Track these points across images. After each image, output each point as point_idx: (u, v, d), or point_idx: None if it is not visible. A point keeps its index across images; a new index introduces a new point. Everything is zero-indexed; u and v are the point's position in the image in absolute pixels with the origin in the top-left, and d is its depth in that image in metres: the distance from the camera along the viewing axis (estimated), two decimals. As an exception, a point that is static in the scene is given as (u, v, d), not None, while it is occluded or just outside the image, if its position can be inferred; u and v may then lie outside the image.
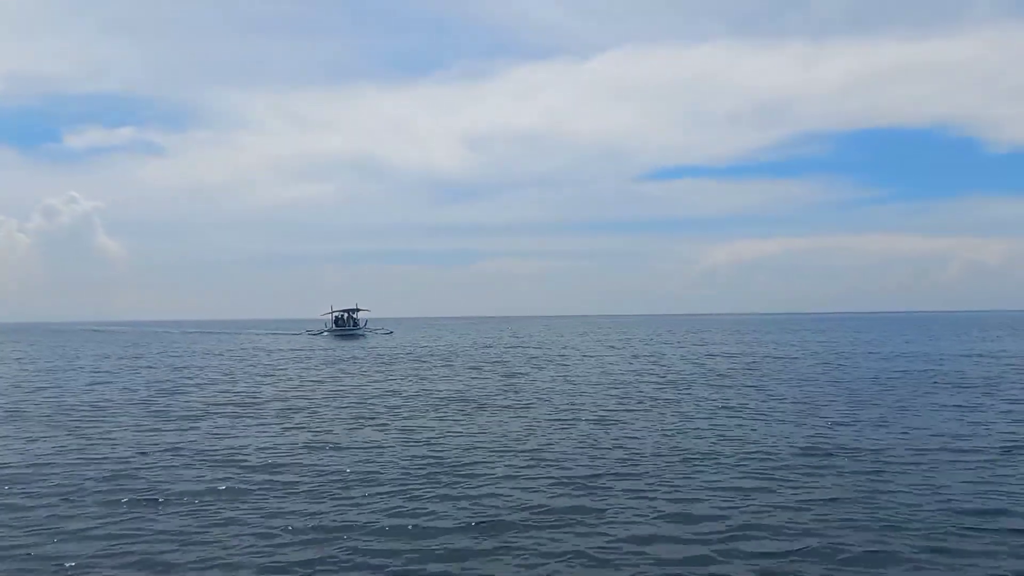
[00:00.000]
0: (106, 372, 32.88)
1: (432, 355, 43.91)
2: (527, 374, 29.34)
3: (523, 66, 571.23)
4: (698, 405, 19.21)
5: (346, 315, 77.48)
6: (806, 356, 38.92)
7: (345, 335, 74.73)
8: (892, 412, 17.46)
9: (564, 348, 49.62)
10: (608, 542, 8.24)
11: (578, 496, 10.12)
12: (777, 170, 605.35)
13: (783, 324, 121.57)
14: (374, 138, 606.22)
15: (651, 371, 30.26)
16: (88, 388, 25.24)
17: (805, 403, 19.30)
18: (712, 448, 13.32)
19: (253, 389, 24.39)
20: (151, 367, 35.89)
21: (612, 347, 51.21)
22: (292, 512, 9.41)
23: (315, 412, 18.55)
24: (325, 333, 77.46)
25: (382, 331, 79.42)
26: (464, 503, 9.83)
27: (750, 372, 29.13)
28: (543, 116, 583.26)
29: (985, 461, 12.00)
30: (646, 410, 18.30)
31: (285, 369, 33.92)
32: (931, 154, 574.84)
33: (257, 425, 16.57)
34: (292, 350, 51.98)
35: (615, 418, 16.96)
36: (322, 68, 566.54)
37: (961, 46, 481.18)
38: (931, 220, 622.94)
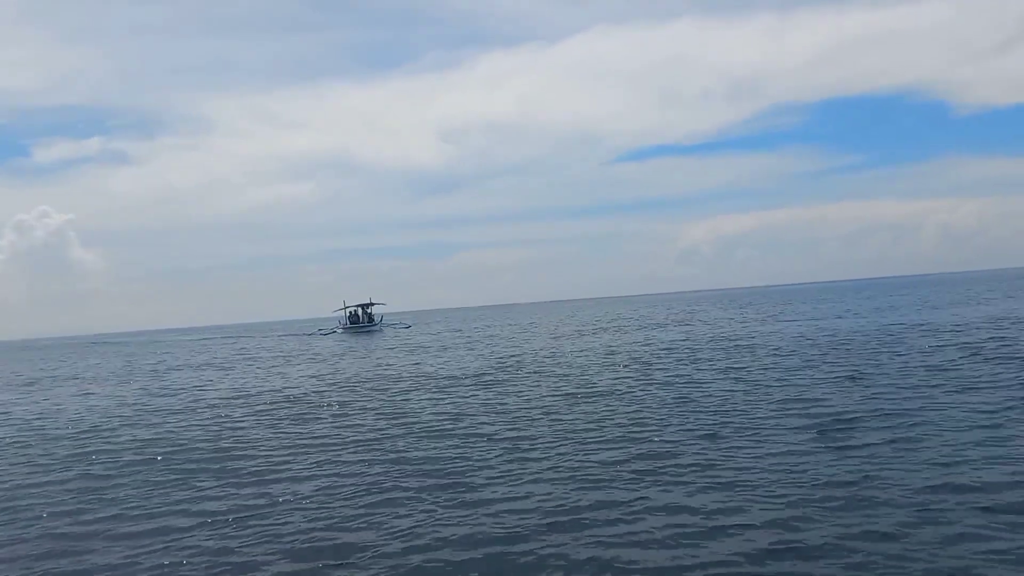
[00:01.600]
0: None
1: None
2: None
3: (493, 54, 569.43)
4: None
5: (360, 310, 77.58)
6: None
7: (360, 332, 74.54)
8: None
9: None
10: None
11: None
12: (751, 144, 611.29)
13: (756, 298, 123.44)
14: (348, 134, 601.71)
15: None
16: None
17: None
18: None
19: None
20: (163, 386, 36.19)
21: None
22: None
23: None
24: (339, 330, 77.16)
25: (400, 325, 79.56)
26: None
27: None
28: (516, 104, 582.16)
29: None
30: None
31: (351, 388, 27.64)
32: (901, 119, 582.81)
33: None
34: (340, 354, 52.04)
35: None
36: (291, 66, 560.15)
37: (926, 10, 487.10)
38: (904, 185, 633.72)
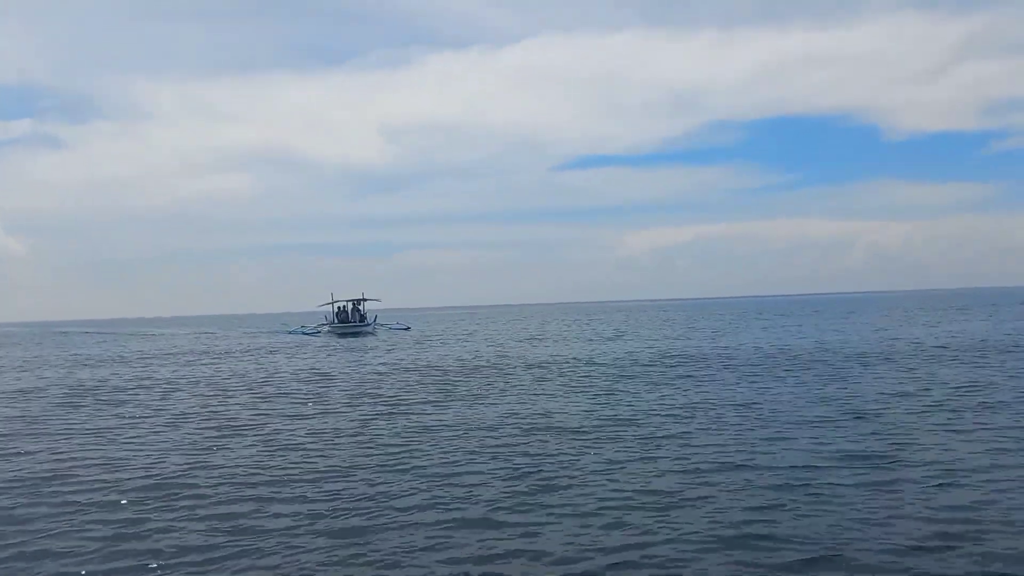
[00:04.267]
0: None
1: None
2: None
3: (439, 55, 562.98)
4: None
5: (351, 307, 67.47)
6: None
7: (349, 333, 63.59)
8: None
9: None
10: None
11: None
12: (690, 158, 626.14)
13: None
14: (288, 129, 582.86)
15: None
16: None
17: None
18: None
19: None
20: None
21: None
22: None
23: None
24: (326, 329, 66.45)
25: (397, 327, 69.13)
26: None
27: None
28: (461, 106, 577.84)
29: None
30: None
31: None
32: (835, 141, 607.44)
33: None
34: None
35: None
36: (232, 56, 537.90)
37: (861, 35, 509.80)
38: (836, 205, 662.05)
